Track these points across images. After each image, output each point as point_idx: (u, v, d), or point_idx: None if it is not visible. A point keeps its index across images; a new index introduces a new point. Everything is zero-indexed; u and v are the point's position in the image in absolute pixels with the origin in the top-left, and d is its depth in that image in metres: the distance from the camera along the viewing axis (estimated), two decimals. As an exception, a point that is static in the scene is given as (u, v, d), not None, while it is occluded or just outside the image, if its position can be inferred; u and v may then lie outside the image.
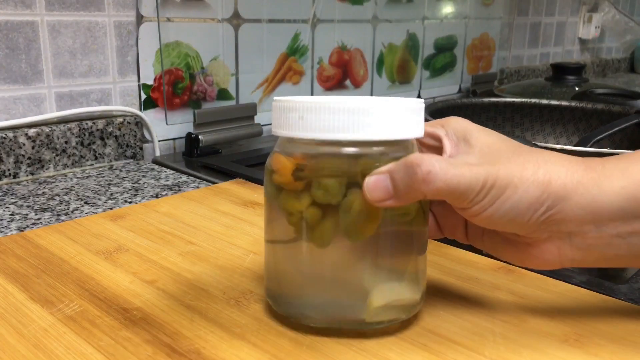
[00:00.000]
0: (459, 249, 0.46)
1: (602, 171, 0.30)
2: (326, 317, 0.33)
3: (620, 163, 0.31)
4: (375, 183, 0.30)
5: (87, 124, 0.71)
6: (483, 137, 0.32)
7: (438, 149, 0.34)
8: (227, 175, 0.69)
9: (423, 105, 0.32)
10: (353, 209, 0.30)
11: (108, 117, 0.74)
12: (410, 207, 0.32)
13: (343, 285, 0.32)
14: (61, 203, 0.59)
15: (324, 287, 0.33)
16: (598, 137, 0.53)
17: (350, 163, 0.31)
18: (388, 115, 0.30)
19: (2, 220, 0.54)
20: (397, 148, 0.32)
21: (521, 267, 0.43)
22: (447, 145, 0.33)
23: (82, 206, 0.58)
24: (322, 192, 0.31)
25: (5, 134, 0.65)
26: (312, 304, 0.33)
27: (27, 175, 0.67)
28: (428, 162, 0.29)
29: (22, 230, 0.51)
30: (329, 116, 0.30)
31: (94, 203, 0.59)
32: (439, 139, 0.34)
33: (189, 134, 0.79)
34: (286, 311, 0.34)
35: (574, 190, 0.30)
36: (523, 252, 0.33)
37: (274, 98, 0.33)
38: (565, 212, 0.30)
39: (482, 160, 0.31)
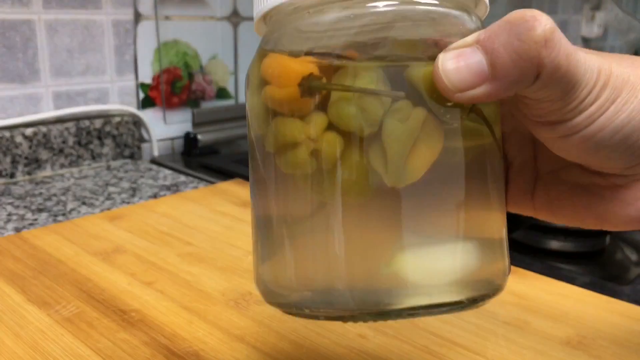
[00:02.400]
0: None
1: None
2: (357, 304, 0.20)
3: None
4: (459, 58, 0.19)
5: (84, 123, 0.71)
6: None
7: None
8: (226, 175, 0.69)
9: None
10: (404, 131, 0.19)
11: (106, 116, 0.74)
12: (480, 129, 0.21)
13: (374, 251, 0.20)
14: (58, 203, 0.58)
15: (352, 262, 0.20)
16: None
17: (406, 47, 0.20)
18: None
19: (-1, 220, 0.53)
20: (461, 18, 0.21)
21: (523, 268, 0.42)
22: None
23: (80, 206, 0.57)
24: (355, 113, 0.19)
25: (2, 134, 0.64)
26: (337, 288, 0.20)
27: (23, 175, 0.67)
28: (547, 18, 0.19)
29: (19, 231, 0.50)
30: None
31: (91, 203, 0.58)
32: None
33: (187, 134, 0.78)
34: (293, 302, 0.21)
35: None
36: (609, 201, 0.23)
37: None
38: None
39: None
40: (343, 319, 0.21)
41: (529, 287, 0.39)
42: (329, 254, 0.20)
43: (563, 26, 1.66)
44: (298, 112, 0.19)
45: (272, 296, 0.22)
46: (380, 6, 0.19)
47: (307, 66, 0.19)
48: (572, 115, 0.20)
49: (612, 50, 1.92)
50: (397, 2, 0.19)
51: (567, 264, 0.47)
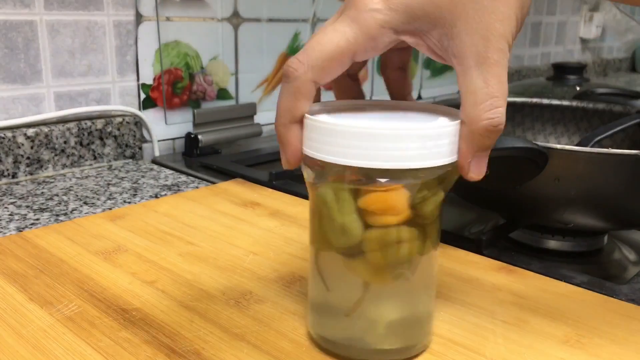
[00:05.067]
0: (460, 249, 0.46)
1: None
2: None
3: None
4: (479, 161, 0.28)
5: (86, 123, 0.71)
6: None
7: None
8: (226, 175, 0.69)
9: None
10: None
11: (107, 117, 0.74)
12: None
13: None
14: (60, 203, 0.59)
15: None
16: (599, 137, 0.53)
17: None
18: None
19: (0, 220, 0.53)
20: None
21: (522, 268, 0.43)
22: None
23: (81, 206, 0.58)
24: (430, 211, 0.29)
25: (4, 134, 0.65)
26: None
27: (25, 175, 0.67)
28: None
29: (21, 231, 0.51)
30: (446, 140, 0.28)
31: (92, 203, 0.59)
32: None
33: (188, 134, 0.79)
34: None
35: None
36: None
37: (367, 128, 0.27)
38: None
39: None
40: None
41: (527, 287, 0.40)
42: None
43: (561, 27, 1.66)
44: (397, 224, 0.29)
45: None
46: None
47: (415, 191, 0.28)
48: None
49: (610, 50, 1.92)
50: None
51: (565, 264, 0.47)
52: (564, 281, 0.41)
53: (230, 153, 0.80)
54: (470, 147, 0.28)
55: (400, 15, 0.27)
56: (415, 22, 0.27)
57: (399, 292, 0.30)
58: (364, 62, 0.32)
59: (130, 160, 0.76)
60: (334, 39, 0.27)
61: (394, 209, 0.28)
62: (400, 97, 0.35)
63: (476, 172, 0.29)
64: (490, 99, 0.27)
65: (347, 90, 0.35)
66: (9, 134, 0.65)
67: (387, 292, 0.30)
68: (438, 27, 0.27)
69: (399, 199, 0.28)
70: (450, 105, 0.32)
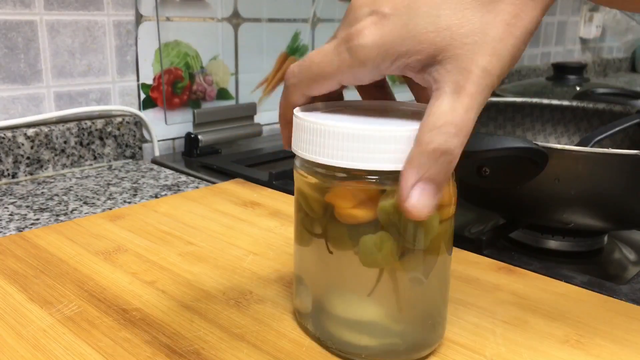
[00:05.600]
0: (460, 249, 0.46)
1: None
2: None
3: None
4: (424, 193, 0.26)
5: (86, 123, 0.71)
6: None
7: None
8: (226, 175, 0.69)
9: None
10: None
11: (107, 116, 0.74)
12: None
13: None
14: (60, 203, 0.59)
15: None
16: (599, 137, 0.53)
17: None
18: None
19: (0, 220, 0.53)
20: None
21: (522, 268, 0.43)
22: None
23: (81, 206, 0.58)
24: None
25: (4, 134, 0.65)
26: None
27: (26, 175, 0.67)
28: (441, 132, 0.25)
29: (21, 231, 0.51)
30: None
31: (93, 203, 0.59)
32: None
33: (188, 134, 0.79)
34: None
35: None
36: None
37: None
38: None
39: None
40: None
41: (527, 287, 0.40)
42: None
43: (561, 27, 1.66)
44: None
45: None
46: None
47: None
48: None
49: (610, 50, 1.92)
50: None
51: (566, 264, 0.47)
52: (564, 281, 0.41)
53: (230, 153, 0.80)
54: (414, 167, 0.26)
55: (387, 57, 0.26)
56: (400, 59, 0.27)
57: (416, 292, 0.30)
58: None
59: (130, 160, 0.76)
60: (321, 63, 0.28)
61: (452, 200, 0.30)
62: None
63: (417, 202, 0.26)
64: (449, 125, 0.25)
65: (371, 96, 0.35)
66: (9, 134, 0.65)
67: (409, 292, 0.30)
68: (422, 61, 0.26)
69: (454, 190, 0.30)
70: None
